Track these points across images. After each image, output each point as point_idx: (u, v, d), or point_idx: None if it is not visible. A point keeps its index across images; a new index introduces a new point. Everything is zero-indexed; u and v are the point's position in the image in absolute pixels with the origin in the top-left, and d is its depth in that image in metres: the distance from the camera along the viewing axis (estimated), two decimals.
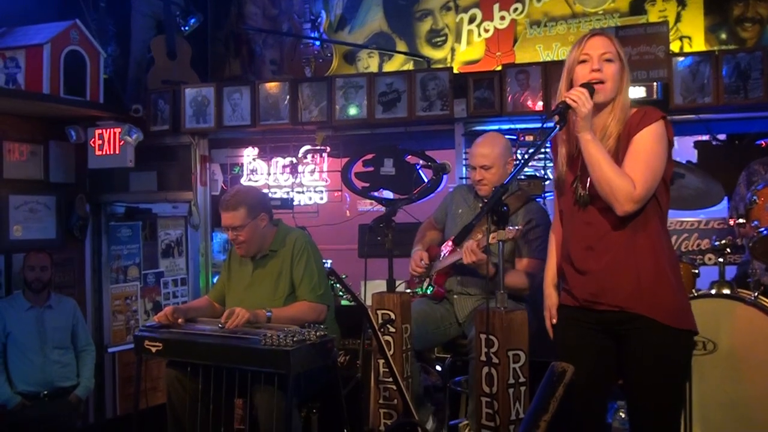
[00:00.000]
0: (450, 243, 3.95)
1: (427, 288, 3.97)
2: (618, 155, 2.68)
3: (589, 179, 2.70)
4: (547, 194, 4.96)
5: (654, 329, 2.64)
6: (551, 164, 5.13)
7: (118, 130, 5.35)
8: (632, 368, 2.73)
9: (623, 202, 2.61)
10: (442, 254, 3.93)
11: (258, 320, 3.68)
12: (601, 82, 2.69)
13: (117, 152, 5.37)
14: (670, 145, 2.71)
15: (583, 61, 2.73)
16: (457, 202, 4.11)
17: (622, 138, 2.70)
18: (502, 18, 5.98)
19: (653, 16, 5.49)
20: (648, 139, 2.65)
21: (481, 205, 3.96)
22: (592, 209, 2.73)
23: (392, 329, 3.54)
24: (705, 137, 4.91)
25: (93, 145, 5.44)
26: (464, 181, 4.80)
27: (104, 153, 5.42)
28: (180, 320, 3.78)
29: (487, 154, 3.86)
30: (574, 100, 2.63)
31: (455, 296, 3.97)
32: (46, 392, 4.80)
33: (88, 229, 5.78)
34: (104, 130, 5.40)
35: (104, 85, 5.49)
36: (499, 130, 5.07)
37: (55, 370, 4.87)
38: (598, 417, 2.86)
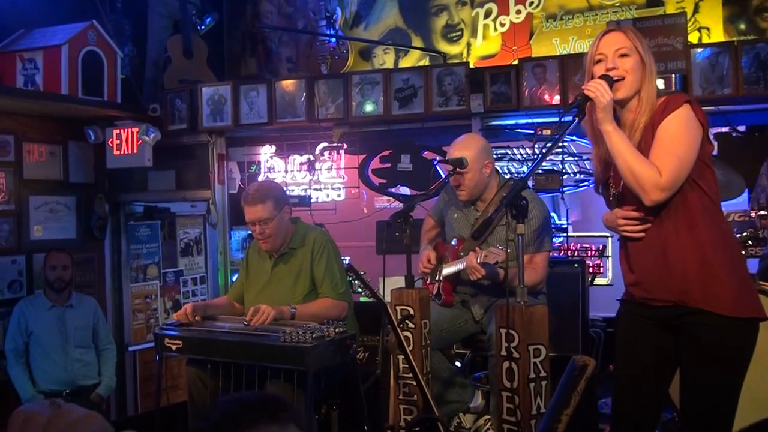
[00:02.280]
0: (455, 242, 3.93)
1: (435, 296, 3.95)
2: (642, 146, 2.64)
3: (622, 178, 2.68)
4: (564, 188, 4.94)
5: (709, 321, 2.57)
6: (569, 158, 5.12)
7: (135, 130, 5.38)
8: (687, 362, 2.67)
9: (649, 190, 2.56)
10: (456, 252, 3.92)
11: (283, 317, 3.69)
12: (621, 78, 2.66)
13: (135, 152, 5.39)
14: (703, 126, 2.63)
15: (600, 61, 2.71)
16: (449, 205, 4.07)
17: (648, 129, 2.66)
18: (518, 12, 5.95)
19: (671, 7, 5.44)
20: (672, 126, 2.59)
21: (472, 207, 3.94)
22: (630, 207, 2.71)
23: (411, 325, 3.53)
24: (725, 129, 4.86)
25: (111, 145, 5.47)
26: None
27: (122, 153, 5.45)
28: (197, 317, 3.79)
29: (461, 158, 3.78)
30: (591, 91, 2.60)
31: (470, 298, 3.95)
32: (68, 391, 4.83)
33: (108, 229, 5.83)
34: (122, 130, 5.43)
35: (122, 85, 5.54)
36: (516, 125, 5.06)
37: (76, 368, 4.90)
38: (654, 411, 2.82)
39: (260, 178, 5.87)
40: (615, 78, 2.65)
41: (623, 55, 2.67)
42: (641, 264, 2.71)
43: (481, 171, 3.82)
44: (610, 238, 5.12)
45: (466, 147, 3.81)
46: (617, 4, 5.65)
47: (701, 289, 2.58)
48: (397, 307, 3.56)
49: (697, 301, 2.58)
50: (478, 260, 3.53)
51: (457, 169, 3.76)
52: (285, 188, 5.65)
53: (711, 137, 4.68)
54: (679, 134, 2.59)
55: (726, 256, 2.63)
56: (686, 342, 2.65)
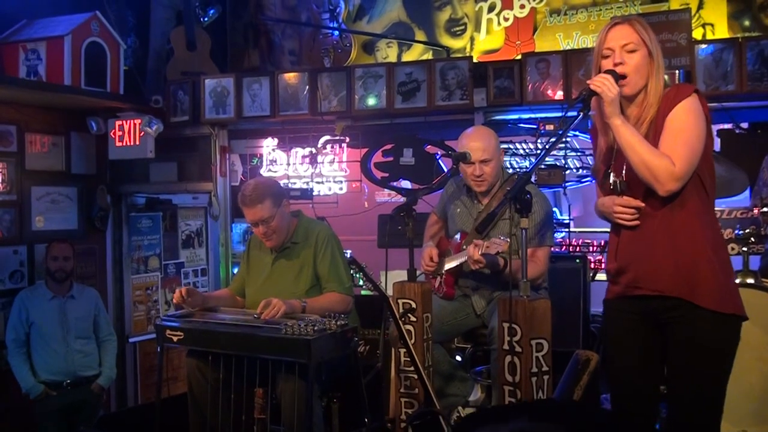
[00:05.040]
0: (458, 236, 3.93)
1: (437, 289, 3.95)
2: (650, 137, 2.63)
3: (624, 166, 2.67)
4: (567, 183, 4.94)
5: (695, 314, 2.58)
6: (572, 153, 5.11)
7: (138, 121, 5.37)
8: (673, 356, 2.68)
9: (664, 181, 2.56)
10: (459, 245, 3.92)
11: (294, 311, 3.69)
12: (624, 76, 2.65)
13: (137, 143, 5.39)
14: (707, 120, 2.64)
15: (606, 56, 2.69)
16: (452, 199, 4.07)
17: (656, 121, 2.65)
18: (522, 6, 5.94)
19: (675, 3, 5.43)
20: (682, 115, 2.60)
21: (475, 202, 3.94)
22: (631, 196, 2.70)
23: (413, 318, 3.53)
24: (728, 125, 4.85)
25: (113, 136, 5.47)
26: None
27: (125, 144, 5.44)
28: (190, 299, 3.79)
29: (485, 148, 3.77)
30: (598, 86, 2.60)
31: (472, 291, 3.95)
32: (68, 381, 4.84)
33: (109, 220, 5.83)
34: (125, 122, 5.43)
35: (124, 76, 5.54)
36: (519, 120, 5.05)
37: (77, 359, 4.91)
38: (650, 403, 2.82)
39: (262, 171, 5.86)
40: (621, 74, 2.65)
41: (630, 51, 2.66)
42: (631, 251, 2.71)
43: (499, 159, 3.86)
44: None
45: (485, 137, 3.82)
46: (621, 0, 5.64)
47: (690, 281, 2.59)
48: (399, 301, 3.56)
49: (683, 293, 2.60)
50: (480, 252, 3.53)
51: (480, 160, 3.76)
52: (287, 181, 5.67)
53: (714, 132, 4.69)
54: (689, 123, 2.60)
55: (716, 252, 2.65)
56: (671, 336, 2.67)
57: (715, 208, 4.47)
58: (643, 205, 2.66)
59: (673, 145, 2.57)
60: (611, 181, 2.73)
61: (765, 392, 3.65)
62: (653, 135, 2.64)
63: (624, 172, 2.69)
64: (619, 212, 2.71)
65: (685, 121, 2.60)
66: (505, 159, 5.15)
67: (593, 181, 3.03)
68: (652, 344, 2.73)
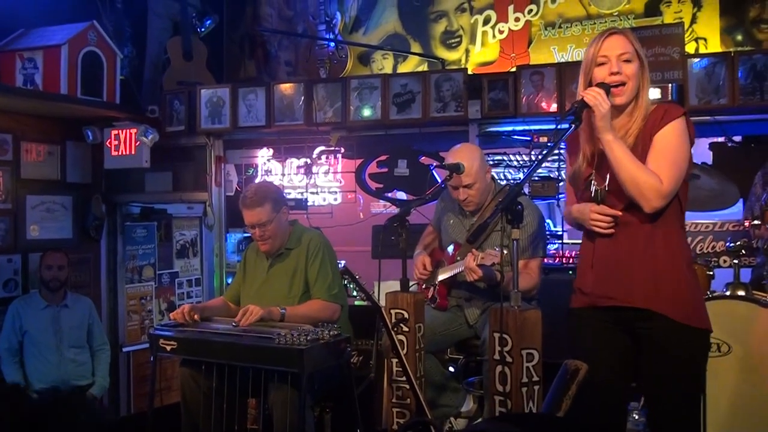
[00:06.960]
0: (452, 248, 3.94)
1: (430, 300, 3.96)
2: (637, 152, 2.66)
3: (608, 176, 2.69)
4: (560, 195, 4.95)
5: (670, 328, 2.62)
6: (565, 165, 5.13)
7: (134, 131, 5.38)
8: (649, 368, 2.71)
9: (651, 198, 2.60)
10: (453, 257, 3.93)
11: (272, 317, 3.70)
12: (622, 84, 2.68)
13: (133, 153, 5.40)
14: (691, 142, 2.70)
15: (601, 63, 2.71)
16: (445, 211, 4.09)
17: (643, 136, 2.68)
18: (517, 19, 5.98)
19: (668, 17, 5.47)
20: (672, 135, 2.64)
21: (468, 214, 3.95)
22: (611, 206, 2.73)
23: (405, 328, 3.54)
24: (720, 139, 4.88)
25: (109, 145, 5.48)
26: None
27: (120, 153, 5.45)
28: (196, 316, 3.80)
29: (467, 172, 3.76)
30: (591, 99, 2.62)
31: (465, 302, 3.96)
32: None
33: (104, 229, 5.83)
34: (120, 131, 5.44)
35: (121, 85, 5.54)
36: (513, 132, 5.07)
37: (70, 368, 4.90)
38: (618, 415, 2.84)
39: (257, 181, 5.88)
40: (616, 83, 2.67)
41: (626, 61, 2.69)
42: (609, 263, 2.73)
43: (485, 180, 3.85)
44: None
45: (466, 157, 3.81)
46: (615, 14, 5.69)
47: (665, 295, 2.64)
48: (392, 311, 3.57)
49: (658, 307, 2.64)
50: (476, 262, 3.54)
51: (463, 185, 3.77)
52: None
53: (706, 145, 4.71)
54: (678, 144, 2.65)
55: (689, 268, 2.71)
56: (644, 347, 2.70)
57: (708, 221, 4.54)
58: (620, 214, 2.70)
59: (662, 164, 2.62)
60: (593, 189, 2.76)
61: (753, 402, 3.66)
62: (641, 149, 2.67)
63: (607, 181, 2.71)
64: (596, 219, 2.74)
65: (674, 142, 2.65)
66: (498, 171, 5.18)
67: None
68: (624, 349, 2.76)
